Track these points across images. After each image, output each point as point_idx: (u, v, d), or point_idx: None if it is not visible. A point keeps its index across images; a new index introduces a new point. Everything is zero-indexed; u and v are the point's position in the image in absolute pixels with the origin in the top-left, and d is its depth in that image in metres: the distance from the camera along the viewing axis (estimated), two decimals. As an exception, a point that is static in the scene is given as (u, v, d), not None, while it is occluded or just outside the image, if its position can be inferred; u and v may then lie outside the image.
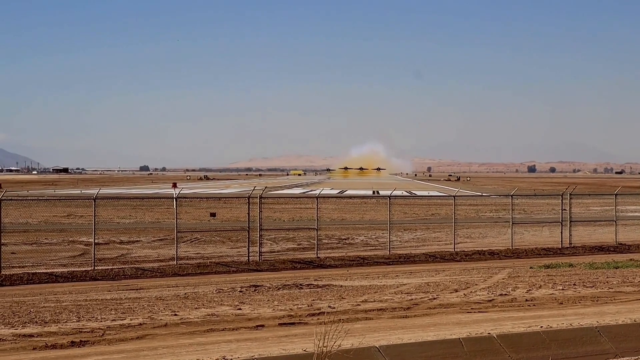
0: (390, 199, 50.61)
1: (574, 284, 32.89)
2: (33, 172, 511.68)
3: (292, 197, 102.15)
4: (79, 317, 25.44)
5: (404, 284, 33.71)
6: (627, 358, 19.69)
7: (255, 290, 32.26)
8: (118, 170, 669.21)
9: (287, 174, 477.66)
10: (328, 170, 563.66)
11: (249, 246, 43.31)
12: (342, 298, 29.62)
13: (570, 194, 54.99)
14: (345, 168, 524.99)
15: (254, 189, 51.61)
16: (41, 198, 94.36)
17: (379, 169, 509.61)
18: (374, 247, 49.73)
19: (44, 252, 45.29)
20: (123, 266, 40.19)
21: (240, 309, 27.11)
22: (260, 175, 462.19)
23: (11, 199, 68.62)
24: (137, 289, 33.46)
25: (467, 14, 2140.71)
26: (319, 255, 44.37)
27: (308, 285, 33.76)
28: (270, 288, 32.79)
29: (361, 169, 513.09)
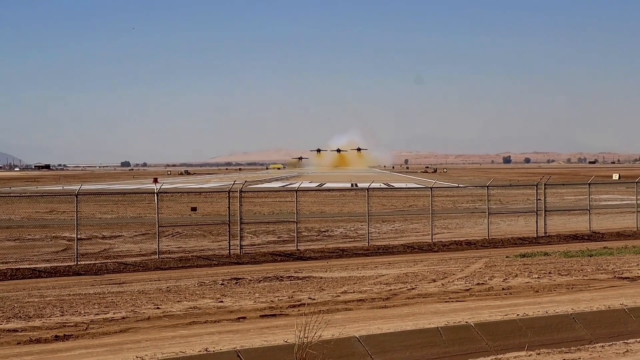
0: (368, 191, 50.66)
1: (549, 273, 33.07)
2: (15, 169, 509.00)
3: (271, 191, 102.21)
4: (63, 312, 25.38)
5: (383, 275, 33.79)
6: (602, 344, 19.81)
7: (236, 283, 32.26)
8: (99, 166, 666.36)
9: (267, 168, 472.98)
10: (300, 159, 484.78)
11: (229, 239, 43.26)
12: (322, 289, 29.66)
13: (545, 184, 55.24)
14: (318, 150, 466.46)
15: (234, 183, 51.54)
16: (23, 194, 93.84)
17: (359, 149, 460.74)
18: (353, 239, 49.78)
19: (27, 247, 45.10)
20: (106, 261, 40.07)
21: (222, 301, 27.11)
22: (240, 169, 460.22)
23: (-7, 196, 68.34)
24: (119, 283, 33.38)
25: (441, 2, 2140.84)
26: (299, 248, 44.39)
27: (288, 277, 33.78)
28: (251, 280, 32.79)
29: (339, 150, 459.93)
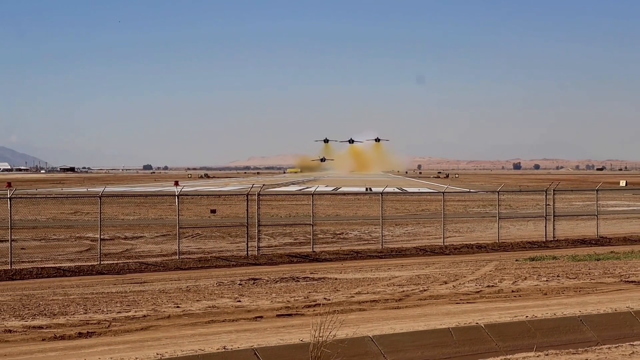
0: (382, 195, 50.66)
1: (558, 276, 32.97)
2: (41, 171, 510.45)
3: (288, 194, 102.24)
4: (86, 310, 25.47)
5: (396, 277, 33.76)
6: (608, 345, 19.74)
7: (254, 283, 32.29)
8: (122, 169, 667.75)
9: (284, 172, 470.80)
10: (322, 160, 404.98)
11: (247, 241, 43.31)
12: (337, 290, 29.65)
13: (554, 190, 55.08)
14: (325, 140, 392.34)
15: (252, 187, 51.64)
16: (49, 196, 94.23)
17: (378, 139, 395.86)
18: (367, 242, 49.77)
19: (52, 247, 45.28)
20: (128, 261, 40.20)
21: (239, 301, 27.14)
22: (258, 173, 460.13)
23: (21, 197, 68.71)
24: (141, 283, 33.47)
25: (447, 12, 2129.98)
26: (314, 250, 44.39)
27: (304, 278, 33.79)
28: (268, 281, 32.82)
29: (351, 141, 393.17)
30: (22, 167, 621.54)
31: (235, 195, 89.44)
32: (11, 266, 37.23)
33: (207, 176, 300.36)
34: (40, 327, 22.56)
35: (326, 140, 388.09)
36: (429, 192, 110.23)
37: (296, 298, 27.66)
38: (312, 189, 55.39)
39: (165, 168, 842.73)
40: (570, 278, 32.29)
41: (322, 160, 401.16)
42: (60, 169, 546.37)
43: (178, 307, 25.92)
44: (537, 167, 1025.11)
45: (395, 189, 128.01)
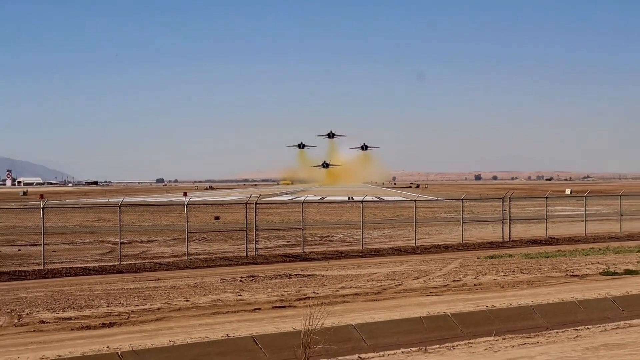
0: (362, 203, 50.70)
1: (513, 271, 33.08)
2: (69, 185, 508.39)
3: (282, 203, 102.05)
4: (109, 303, 25.44)
5: (375, 273, 33.80)
6: (556, 330, 19.86)
7: (252, 279, 32.27)
8: (138, 183, 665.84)
9: (278, 184, 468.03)
10: (324, 166, 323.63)
11: (247, 243, 43.26)
12: (324, 285, 29.68)
13: (510, 198, 55.24)
14: (301, 146, 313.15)
15: (250, 197, 51.61)
16: (76, 206, 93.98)
17: (365, 146, 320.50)
18: (349, 243, 49.76)
19: (79, 250, 45.16)
20: (144, 261, 40.09)
21: (240, 295, 27.15)
22: (255, 185, 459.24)
23: (51, 207, 68.55)
24: (155, 280, 33.41)
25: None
26: (304, 250, 44.36)
27: (296, 275, 33.78)
28: (264, 278, 32.81)
29: (331, 135, 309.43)
30: (53, 181, 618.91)
31: (236, 204, 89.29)
32: (44, 266, 37.12)
33: (211, 188, 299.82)
34: (69, 319, 22.55)
35: (301, 146, 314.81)
36: (403, 200, 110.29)
37: (289, 292, 27.69)
38: (302, 198, 55.41)
39: (176, 181, 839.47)
40: (524, 273, 32.41)
41: (325, 166, 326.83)
42: (85, 182, 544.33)
43: (187, 300, 25.92)
44: (495, 178, 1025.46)
45: (373, 197, 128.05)
